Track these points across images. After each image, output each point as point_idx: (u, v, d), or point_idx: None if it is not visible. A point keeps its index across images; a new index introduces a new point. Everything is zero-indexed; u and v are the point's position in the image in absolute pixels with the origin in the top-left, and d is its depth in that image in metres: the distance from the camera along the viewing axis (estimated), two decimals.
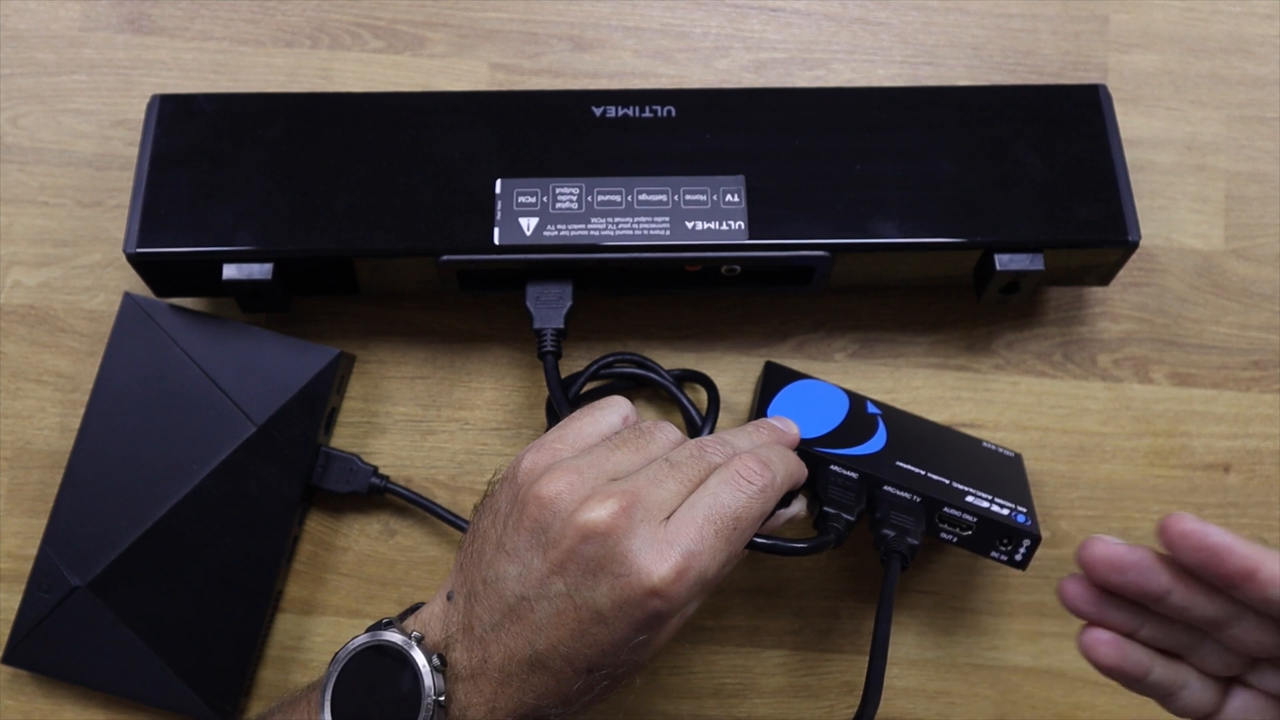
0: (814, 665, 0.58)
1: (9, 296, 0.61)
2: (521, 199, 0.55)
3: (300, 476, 0.56)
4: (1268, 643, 0.40)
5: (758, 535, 0.45)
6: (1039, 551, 0.52)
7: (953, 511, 0.51)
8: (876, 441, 0.54)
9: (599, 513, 0.40)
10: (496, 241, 0.54)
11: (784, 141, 0.56)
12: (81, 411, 0.57)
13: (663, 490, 0.42)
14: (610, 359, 0.58)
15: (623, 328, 0.61)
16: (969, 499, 0.51)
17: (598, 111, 0.57)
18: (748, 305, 0.61)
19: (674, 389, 0.58)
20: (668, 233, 0.54)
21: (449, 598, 0.44)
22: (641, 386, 0.60)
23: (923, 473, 0.52)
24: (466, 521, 0.57)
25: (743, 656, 0.58)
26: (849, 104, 0.57)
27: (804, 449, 0.51)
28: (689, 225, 0.54)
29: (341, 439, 0.60)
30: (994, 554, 0.51)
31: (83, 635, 0.55)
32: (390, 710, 0.42)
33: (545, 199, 0.55)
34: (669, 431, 0.46)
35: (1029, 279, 0.55)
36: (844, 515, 0.50)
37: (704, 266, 0.55)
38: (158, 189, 0.55)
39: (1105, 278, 0.58)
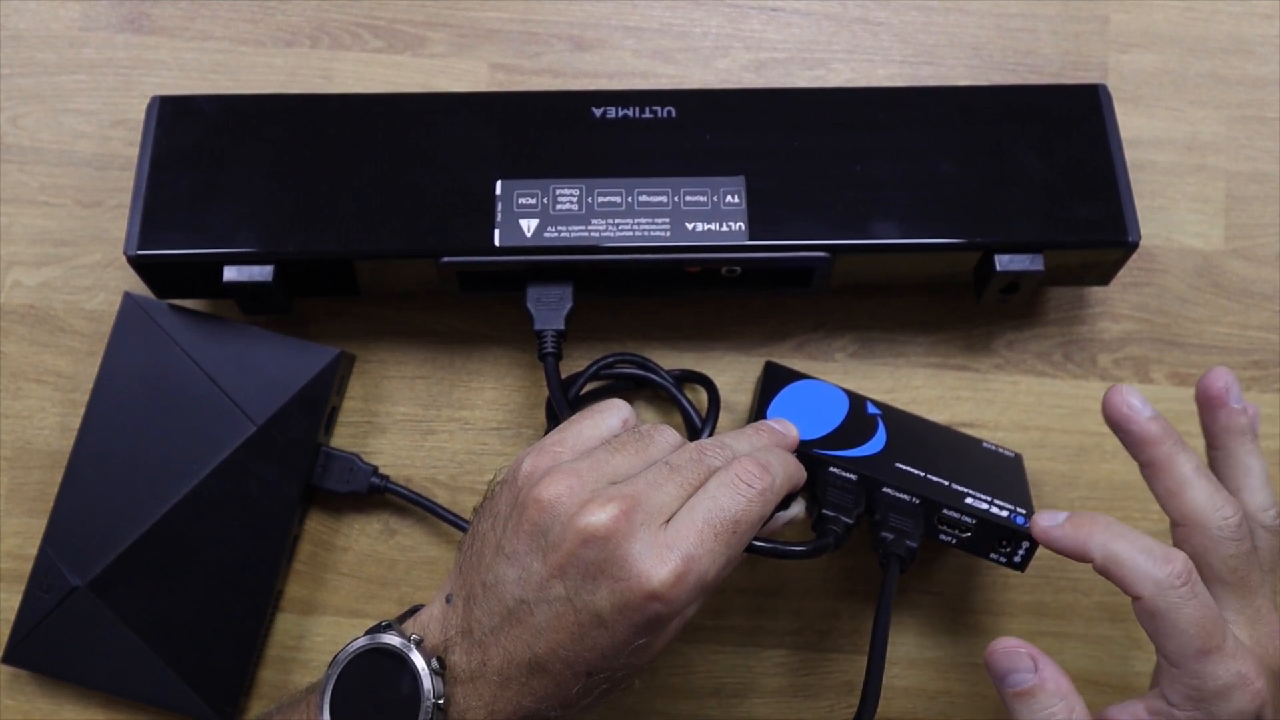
0: (814, 665, 0.58)
1: (9, 296, 0.61)
2: (522, 200, 0.55)
3: (300, 476, 0.56)
4: None
5: (757, 538, 0.45)
6: (1039, 551, 0.52)
7: (951, 513, 0.51)
8: (876, 443, 0.54)
9: (599, 516, 0.40)
10: (497, 243, 0.54)
11: (784, 141, 0.56)
12: (81, 411, 0.57)
13: (662, 494, 0.42)
14: (610, 360, 0.58)
15: (623, 328, 0.61)
16: (968, 501, 0.51)
17: (598, 112, 0.57)
18: (748, 306, 0.61)
19: (674, 390, 0.58)
20: (668, 234, 0.54)
21: (448, 600, 0.44)
22: (642, 387, 0.60)
23: (922, 474, 0.52)
24: (466, 521, 0.57)
25: (743, 656, 0.58)
26: (849, 104, 0.57)
27: (803, 451, 0.51)
28: (689, 226, 0.54)
29: (341, 439, 0.60)
30: (993, 555, 0.51)
31: (83, 635, 0.55)
32: (389, 713, 0.42)
33: (545, 200, 0.55)
34: (668, 434, 0.46)
35: (1029, 279, 0.55)
36: (843, 518, 0.50)
37: (704, 268, 0.55)
38: (158, 191, 0.55)
39: (1105, 277, 0.58)
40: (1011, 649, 0.44)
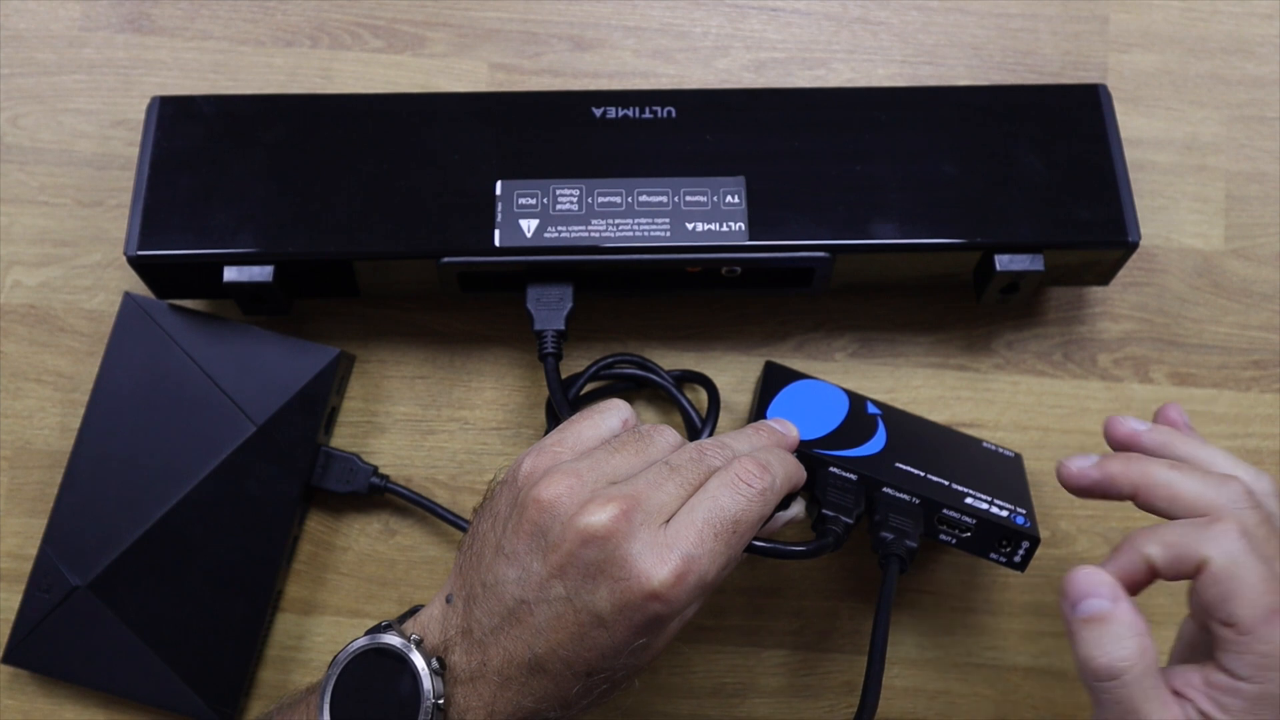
0: (814, 665, 0.58)
1: (9, 296, 0.61)
2: (522, 201, 0.55)
3: (300, 476, 0.56)
4: None
5: (757, 538, 0.45)
6: (1039, 551, 0.52)
7: (951, 513, 0.51)
8: (876, 443, 0.54)
9: (599, 516, 0.41)
10: (497, 244, 0.54)
11: (784, 142, 0.56)
12: (81, 411, 0.57)
13: (662, 494, 0.42)
14: (610, 360, 0.58)
15: (623, 329, 0.61)
16: (968, 500, 0.51)
17: (598, 112, 0.57)
18: (748, 306, 0.61)
19: (674, 390, 0.58)
20: (668, 234, 0.54)
21: (448, 600, 0.44)
22: (642, 387, 0.60)
23: (922, 474, 0.52)
24: (466, 521, 0.57)
25: (743, 656, 0.58)
26: (849, 104, 0.57)
27: (803, 451, 0.51)
28: (689, 226, 0.54)
29: (341, 439, 0.60)
30: (993, 555, 0.51)
31: (83, 635, 0.55)
32: (389, 713, 0.42)
33: (546, 200, 0.55)
34: (668, 435, 0.46)
35: (1029, 279, 0.55)
36: (842, 518, 0.50)
37: (704, 268, 0.55)
38: (158, 191, 0.55)
39: (1105, 277, 0.58)
40: (1093, 575, 0.42)
